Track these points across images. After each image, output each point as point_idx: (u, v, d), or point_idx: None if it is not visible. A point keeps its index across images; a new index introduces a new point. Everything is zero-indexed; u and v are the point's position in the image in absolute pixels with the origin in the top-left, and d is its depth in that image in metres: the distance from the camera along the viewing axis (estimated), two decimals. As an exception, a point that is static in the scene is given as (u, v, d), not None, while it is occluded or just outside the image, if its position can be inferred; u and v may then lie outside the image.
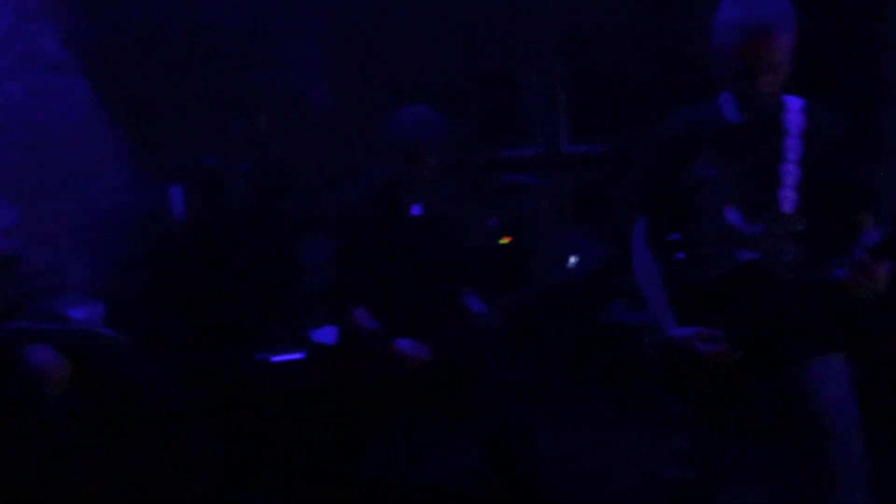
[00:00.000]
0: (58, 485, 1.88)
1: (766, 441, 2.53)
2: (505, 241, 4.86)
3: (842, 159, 2.46)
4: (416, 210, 3.31)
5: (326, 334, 4.11)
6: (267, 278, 4.18)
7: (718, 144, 2.47)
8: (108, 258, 4.08)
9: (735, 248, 2.43)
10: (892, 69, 4.60)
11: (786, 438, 2.46)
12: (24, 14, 4.02)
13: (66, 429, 1.85)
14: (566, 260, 4.89)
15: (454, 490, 3.64)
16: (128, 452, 2.17)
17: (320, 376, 3.96)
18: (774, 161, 2.41)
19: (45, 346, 2.03)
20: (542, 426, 3.62)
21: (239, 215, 4.32)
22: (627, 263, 2.64)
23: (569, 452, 3.99)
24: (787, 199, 2.41)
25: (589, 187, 5.83)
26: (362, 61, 5.09)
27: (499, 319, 3.39)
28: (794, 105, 2.48)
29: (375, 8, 4.99)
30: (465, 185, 3.87)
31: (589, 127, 6.13)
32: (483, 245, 3.98)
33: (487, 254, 4.05)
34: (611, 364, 4.32)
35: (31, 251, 4.11)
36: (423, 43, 5.09)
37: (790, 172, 2.41)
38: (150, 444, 2.20)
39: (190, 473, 2.25)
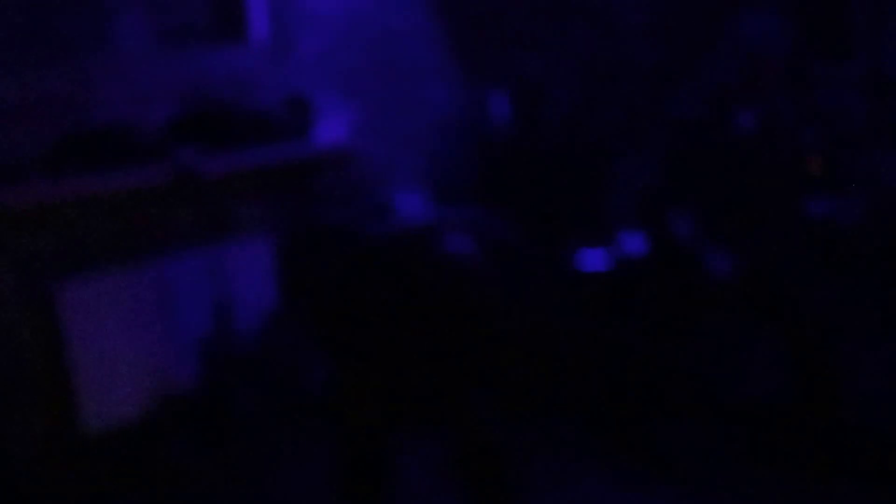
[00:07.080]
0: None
1: None
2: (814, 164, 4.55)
3: None
4: (746, 120, 3.21)
5: (633, 243, 4.12)
6: (580, 187, 4.21)
7: None
8: (434, 159, 4.31)
9: None
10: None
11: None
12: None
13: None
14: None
15: (756, 401, 3.52)
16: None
17: (626, 284, 3.98)
18: None
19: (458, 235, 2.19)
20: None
21: (561, 124, 4.35)
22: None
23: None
24: None
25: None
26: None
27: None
28: None
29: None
30: (799, 97, 3.65)
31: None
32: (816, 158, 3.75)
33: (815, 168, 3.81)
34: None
35: (366, 143, 4.42)
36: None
37: None
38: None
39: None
